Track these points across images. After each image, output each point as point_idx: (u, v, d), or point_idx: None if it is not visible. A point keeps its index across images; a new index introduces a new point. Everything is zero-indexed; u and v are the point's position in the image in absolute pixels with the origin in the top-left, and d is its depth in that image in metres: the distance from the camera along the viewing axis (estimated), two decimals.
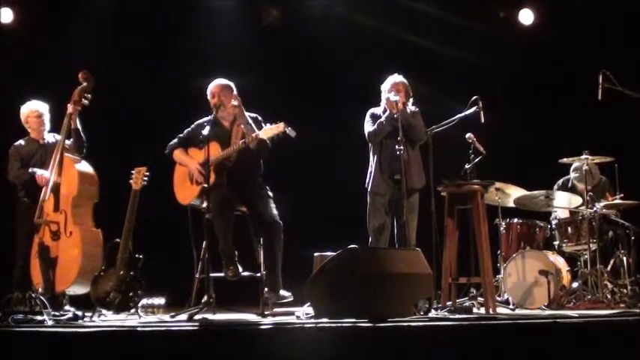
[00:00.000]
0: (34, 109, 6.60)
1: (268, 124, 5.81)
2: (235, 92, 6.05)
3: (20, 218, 6.43)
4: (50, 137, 6.60)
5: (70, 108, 6.24)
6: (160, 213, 6.85)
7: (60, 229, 6.01)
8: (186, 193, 6.07)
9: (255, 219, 5.97)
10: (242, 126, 5.90)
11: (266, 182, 6.11)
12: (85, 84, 6.17)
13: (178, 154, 6.16)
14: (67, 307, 5.95)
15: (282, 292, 5.81)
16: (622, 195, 6.80)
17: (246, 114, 6.08)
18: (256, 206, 5.93)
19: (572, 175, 7.25)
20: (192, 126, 6.17)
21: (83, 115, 6.32)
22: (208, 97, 6.09)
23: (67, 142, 6.27)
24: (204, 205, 5.79)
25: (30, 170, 6.35)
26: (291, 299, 5.82)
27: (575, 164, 7.13)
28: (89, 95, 6.17)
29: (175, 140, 6.21)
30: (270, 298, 5.77)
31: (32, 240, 6.07)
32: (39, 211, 6.00)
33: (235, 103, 5.90)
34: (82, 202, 6.19)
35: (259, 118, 6.05)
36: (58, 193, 6.07)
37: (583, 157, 6.58)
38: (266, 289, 5.76)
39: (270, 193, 6.02)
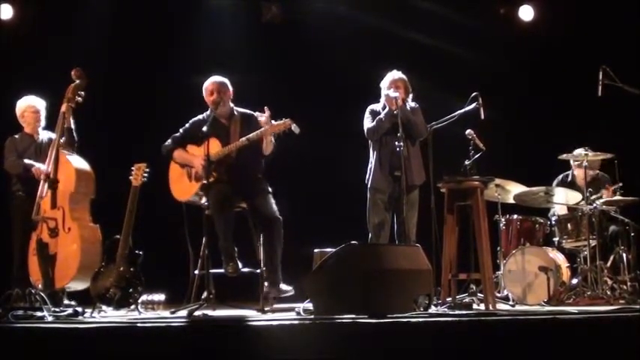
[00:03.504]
0: (32, 105, 6.61)
1: (273, 121, 5.80)
2: (231, 90, 6.05)
3: (15, 212, 6.44)
4: (44, 135, 6.61)
5: (63, 107, 6.22)
6: (160, 209, 6.84)
7: (58, 226, 5.98)
8: (184, 189, 6.04)
9: (254, 215, 5.96)
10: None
11: (266, 178, 6.11)
12: (78, 81, 6.08)
13: (179, 154, 6.06)
14: (66, 302, 5.96)
15: (283, 286, 5.77)
16: (621, 184, 6.79)
17: (242, 110, 6.08)
18: (256, 202, 5.91)
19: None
20: (188, 125, 6.09)
21: (82, 112, 6.27)
22: (205, 94, 6.03)
23: (61, 140, 6.25)
24: (203, 200, 5.78)
25: (27, 162, 6.34)
26: (291, 293, 5.78)
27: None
28: (82, 93, 6.12)
29: (170, 141, 6.10)
30: (270, 293, 5.76)
31: (29, 235, 6.06)
32: (36, 208, 5.98)
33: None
34: (80, 198, 6.18)
35: (255, 114, 6.06)
36: (55, 190, 6.06)
37: (583, 153, 6.58)
38: (266, 283, 5.75)
39: (270, 189, 6.02)
